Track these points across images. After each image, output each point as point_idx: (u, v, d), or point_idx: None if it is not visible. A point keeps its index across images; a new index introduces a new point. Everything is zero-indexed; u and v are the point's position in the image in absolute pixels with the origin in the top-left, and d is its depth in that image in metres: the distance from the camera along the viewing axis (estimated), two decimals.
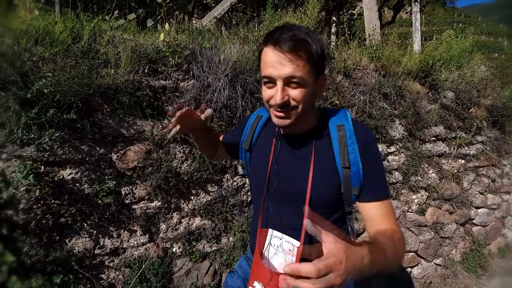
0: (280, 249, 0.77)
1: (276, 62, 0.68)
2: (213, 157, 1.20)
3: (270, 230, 0.80)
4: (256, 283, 0.75)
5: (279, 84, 0.69)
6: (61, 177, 1.48)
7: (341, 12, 6.48)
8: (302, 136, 0.82)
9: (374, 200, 0.76)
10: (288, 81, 0.69)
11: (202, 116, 0.93)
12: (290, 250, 0.75)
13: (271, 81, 0.70)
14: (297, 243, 0.73)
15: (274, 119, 0.75)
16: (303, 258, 0.60)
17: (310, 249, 0.60)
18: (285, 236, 0.76)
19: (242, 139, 0.99)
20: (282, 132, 0.86)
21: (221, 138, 1.14)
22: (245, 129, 0.98)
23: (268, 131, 0.93)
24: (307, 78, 0.69)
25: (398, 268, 0.69)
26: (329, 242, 0.51)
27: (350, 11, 7.30)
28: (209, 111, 0.95)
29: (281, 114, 0.72)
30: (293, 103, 0.71)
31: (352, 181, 0.76)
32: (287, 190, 0.82)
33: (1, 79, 1.33)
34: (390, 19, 7.85)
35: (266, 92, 0.73)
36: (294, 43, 0.66)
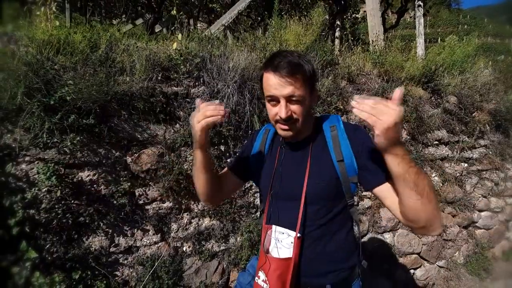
0: (280, 241, 0.90)
1: (277, 85, 0.81)
2: (216, 199, 1.13)
3: (273, 226, 0.93)
4: (260, 273, 0.89)
5: (283, 102, 0.83)
6: (80, 178, 1.57)
7: (344, 16, 6.54)
8: (301, 142, 0.95)
9: (380, 184, 0.83)
10: (289, 99, 0.83)
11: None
12: (288, 240, 0.88)
13: (275, 99, 0.84)
14: (293, 234, 0.87)
15: (280, 132, 0.89)
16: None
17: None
18: (285, 229, 0.90)
19: (254, 151, 1.09)
20: (285, 141, 0.98)
21: (225, 170, 1.15)
22: (256, 142, 1.09)
23: (275, 142, 1.06)
24: (304, 95, 0.84)
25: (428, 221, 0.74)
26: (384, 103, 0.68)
27: (353, 15, 7.37)
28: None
29: (286, 127, 0.86)
30: (294, 116, 0.85)
31: (348, 172, 0.88)
32: (287, 188, 0.94)
33: (27, 87, 1.43)
34: (394, 23, 7.88)
35: (272, 111, 0.87)
36: (291, 68, 0.80)
